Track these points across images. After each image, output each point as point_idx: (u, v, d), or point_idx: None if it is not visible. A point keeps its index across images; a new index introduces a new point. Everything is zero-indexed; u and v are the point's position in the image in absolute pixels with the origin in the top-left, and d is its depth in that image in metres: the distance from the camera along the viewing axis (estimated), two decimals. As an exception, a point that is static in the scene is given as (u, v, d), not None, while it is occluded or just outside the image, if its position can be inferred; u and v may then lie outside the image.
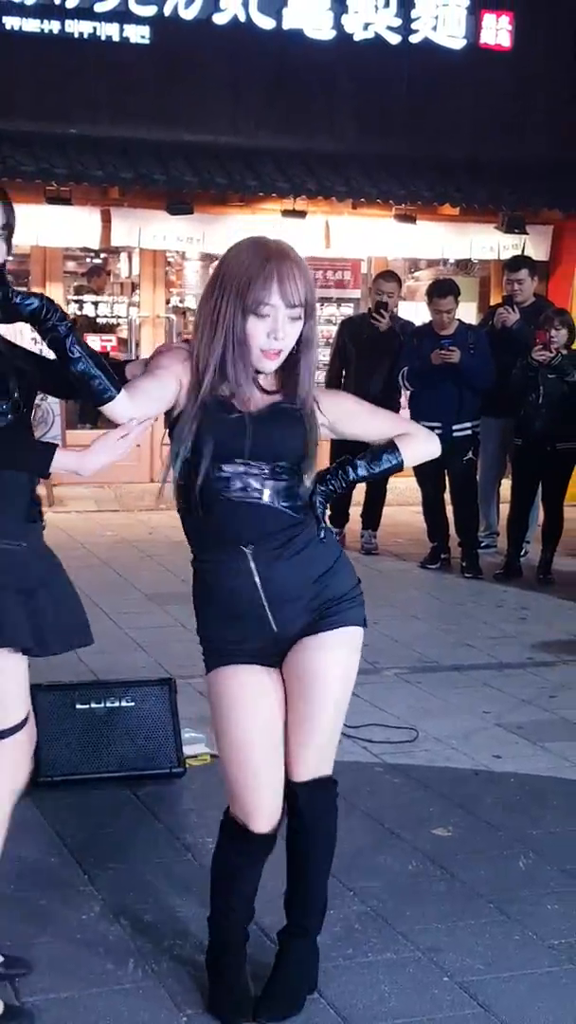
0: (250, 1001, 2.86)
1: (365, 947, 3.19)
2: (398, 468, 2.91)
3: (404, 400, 8.22)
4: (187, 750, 4.36)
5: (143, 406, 2.71)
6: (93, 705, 4.26)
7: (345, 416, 2.89)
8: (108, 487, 10.31)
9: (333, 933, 3.18)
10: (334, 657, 2.82)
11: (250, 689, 2.82)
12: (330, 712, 2.84)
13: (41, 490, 3.02)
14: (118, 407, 2.67)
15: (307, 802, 2.85)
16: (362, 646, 2.89)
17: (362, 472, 2.88)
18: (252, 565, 2.75)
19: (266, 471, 2.75)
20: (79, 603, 2.97)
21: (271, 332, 2.70)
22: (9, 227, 2.84)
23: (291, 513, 2.77)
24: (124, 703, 4.29)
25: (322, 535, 2.83)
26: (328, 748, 2.88)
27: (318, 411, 2.82)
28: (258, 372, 2.76)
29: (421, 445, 2.92)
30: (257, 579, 2.76)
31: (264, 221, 10.33)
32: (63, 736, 4.19)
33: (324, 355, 8.60)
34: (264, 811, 2.79)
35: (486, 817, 4.09)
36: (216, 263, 2.79)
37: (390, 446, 2.89)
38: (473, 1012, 2.93)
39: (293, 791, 2.84)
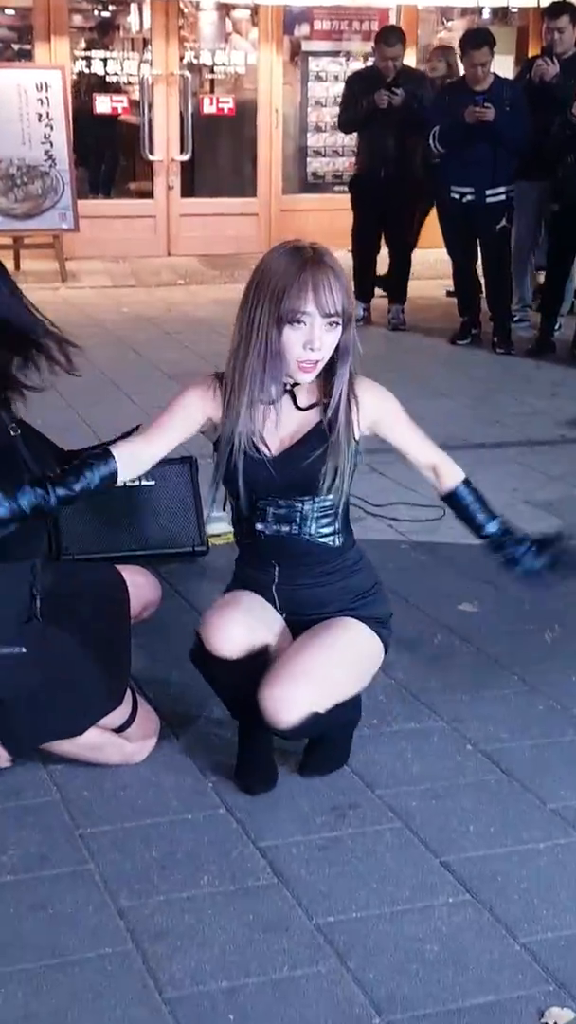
0: (273, 772, 2.99)
1: (389, 717, 3.31)
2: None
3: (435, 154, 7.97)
4: (210, 529, 4.43)
5: (142, 460, 2.85)
6: (113, 483, 4.30)
7: (386, 418, 2.92)
8: (123, 261, 10.14)
9: (357, 704, 3.30)
10: (350, 627, 2.90)
11: (251, 595, 2.95)
12: (329, 656, 2.82)
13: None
14: (124, 475, 2.83)
15: (300, 736, 2.88)
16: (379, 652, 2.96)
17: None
18: (276, 579, 2.90)
19: (302, 504, 2.82)
20: (73, 694, 2.90)
21: (307, 343, 2.70)
22: None
23: (328, 544, 2.87)
24: (144, 481, 4.33)
25: None
26: (314, 692, 2.77)
27: (355, 410, 2.82)
28: (294, 385, 2.79)
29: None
30: (275, 593, 2.92)
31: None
32: (82, 514, 4.25)
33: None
34: (227, 632, 2.83)
35: (512, 593, 4.15)
36: (253, 271, 2.78)
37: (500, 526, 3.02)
38: (496, 778, 3.05)
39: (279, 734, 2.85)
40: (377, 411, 2.90)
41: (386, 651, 3.00)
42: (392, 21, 10.56)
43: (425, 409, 6.44)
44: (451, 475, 3.01)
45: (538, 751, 3.18)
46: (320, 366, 2.77)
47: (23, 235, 9.21)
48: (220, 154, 11.08)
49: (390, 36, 8.05)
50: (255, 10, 10.56)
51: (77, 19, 10.75)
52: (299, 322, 2.70)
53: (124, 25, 11.05)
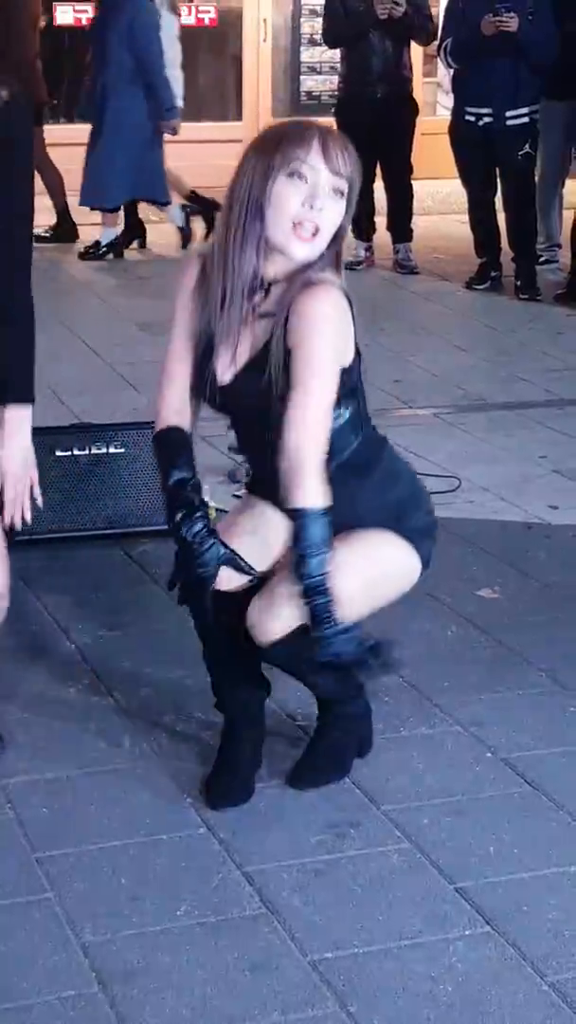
0: (245, 788, 2.95)
1: (396, 722, 3.28)
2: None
3: (445, 82, 7.92)
4: (188, 503, 4.39)
5: (183, 403, 2.81)
6: (75, 452, 4.27)
7: (296, 340, 2.63)
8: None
9: (359, 706, 3.27)
10: (374, 538, 2.82)
11: (267, 509, 2.87)
12: (345, 565, 2.72)
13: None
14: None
15: (282, 660, 2.85)
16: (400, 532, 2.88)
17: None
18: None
19: (259, 435, 2.75)
20: None
21: (308, 199, 2.57)
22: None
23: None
24: (112, 449, 4.29)
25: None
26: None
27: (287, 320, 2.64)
28: (271, 285, 2.66)
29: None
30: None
31: None
32: (42, 488, 4.20)
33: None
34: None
35: (539, 576, 4.15)
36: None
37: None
38: (520, 791, 3.02)
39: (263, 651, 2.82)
40: (298, 326, 2.62)
41: (427, 566, 2.91)
42: None
43: (438, 364, 6.48)
44: (300, 494, 2.64)
45: (569, 760, 3.15)
46: (319, 244, 2.63)
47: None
48: (200, 72, 11.02)
49: None
50: None
51: None
52: (300, 175, 2.58)
53: None
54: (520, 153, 7.53)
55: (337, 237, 2.67)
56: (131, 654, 3.58)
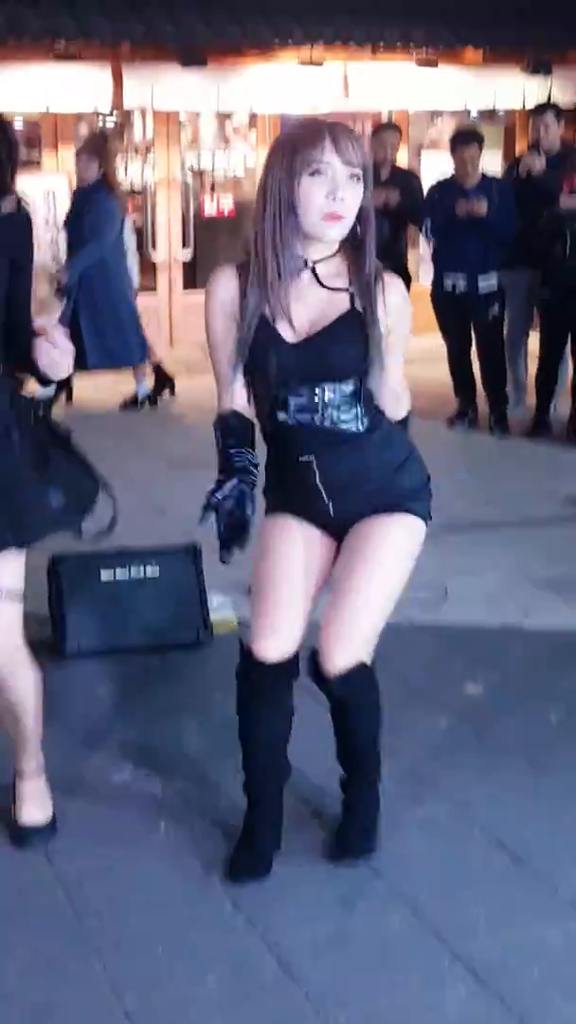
0: (265, 864, 2.87)
1: (394, 802, 3.19)
2: None
3: (426, 254, 8.03)
4: (214, 616, 4.35)
5: (244, 407, 2.77)
6: (118, 574, 4.24)
7: (398, 326, 2.72)
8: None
9: (363, 791, 3.18)
10: (388, 533, 2.81)
11: (292, 532, 2.84)
12: (375, 586, 2.77)
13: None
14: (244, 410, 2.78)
15: (343, 693, 2.81)
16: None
17: None
18: (316, 472, 2.77)
19: (323, 392, 2.71)
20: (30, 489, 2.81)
21: (330, 192, 2.58)
22: None
23: (352, 429, 2.74)
24: (149, 571, 4.27)
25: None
26: (367, 630, 2.78)
27: (380, 302, 2.68)
28: (316, 263, 2.67)
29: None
30: (321, 486, 2.78)
31: (280, 72, 9.97)
32: (88, 608, 4.19)
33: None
34: (270, 635, 2.75)
35: (516, 673, 4.07)
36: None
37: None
38: (505, 864, 2.94)
39: (328, 683, 2.79)
40: (396, 315, 2.71)
41: (429, 518, 2.91)
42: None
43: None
44: (396, 410, 2.88)
45: (547, 835, 3.07)
46: (347, 223, 2.62)
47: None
48: (221, 253, 11.18)
49: (388, 126, 8.54)
50: (252, 117, 10.73)
51: (83, 128, 10.92)
52: (319, 172, 2.56)
53: (128, 133, 11.22)
54: (491, 313, 7.61)
55: (361, 217, 2.66)
56: (166, 748, 3.52)
